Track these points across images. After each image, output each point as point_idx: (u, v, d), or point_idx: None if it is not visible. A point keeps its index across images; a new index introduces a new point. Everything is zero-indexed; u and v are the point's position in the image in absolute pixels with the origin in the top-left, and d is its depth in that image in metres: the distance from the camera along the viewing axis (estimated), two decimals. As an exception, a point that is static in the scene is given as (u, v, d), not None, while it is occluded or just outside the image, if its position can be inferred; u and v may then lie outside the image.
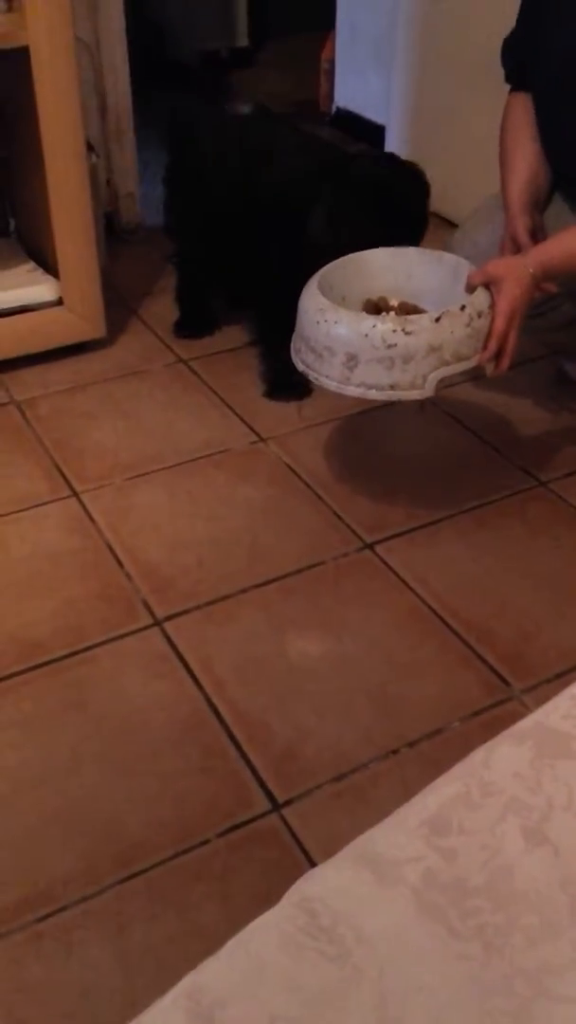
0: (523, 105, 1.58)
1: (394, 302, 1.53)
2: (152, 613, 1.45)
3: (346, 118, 3.08)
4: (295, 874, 0.71)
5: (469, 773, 0.64)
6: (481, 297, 1.39)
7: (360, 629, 1.44)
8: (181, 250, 2.09)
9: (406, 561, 1.55)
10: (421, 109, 2.67)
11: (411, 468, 1.77)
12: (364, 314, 1.45)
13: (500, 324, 1.36)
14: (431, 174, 2.68)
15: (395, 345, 1.35)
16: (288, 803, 1.19)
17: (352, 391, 1.40)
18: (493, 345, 1.37)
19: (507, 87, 1.63)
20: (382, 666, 1.38)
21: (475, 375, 1.41)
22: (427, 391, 1.38)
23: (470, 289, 1.40)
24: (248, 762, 1.24)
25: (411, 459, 1.79)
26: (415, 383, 1.37)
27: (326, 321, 1.40)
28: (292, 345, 1.50)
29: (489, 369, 1.41)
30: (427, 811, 0.61)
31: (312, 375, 1.45)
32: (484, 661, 1.39)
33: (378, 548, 1.58)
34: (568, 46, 1.46)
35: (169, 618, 1.44)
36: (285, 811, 1.18)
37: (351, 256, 1.54)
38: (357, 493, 1.69)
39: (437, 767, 0.93)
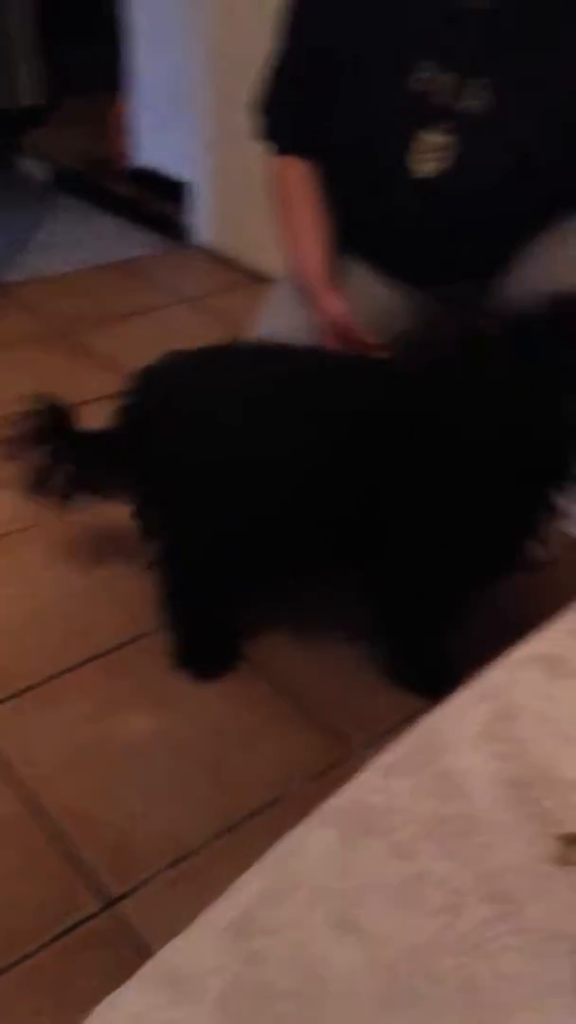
0: (300, 172, 1.51)
1: None
2: (-35, 706, 1.35)
3: (145, 175, 3.08)
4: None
5: (276, 863, 0.60)
6: None
7: (191, 701, 1.38)
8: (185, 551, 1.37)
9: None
10: (227, 164, 2.71)
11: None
12: None
13: None
14: (242, 230, 2.73)
15: None
16: (123, 897, 1.12)
17: None
18: None
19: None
20: (215, 738, 1.33)
21: None
22: None
23: None
24: (77, 859, 1.16)
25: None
26: None
27: None
28: None
29: None
30: (233, 911, 0.57)
31: None
32: (321, 720, 1.36)
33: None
34: (371, 116, 1.41)
35: (-15, 709, 1.35)
36: (120, 907, 1.11)
37: None
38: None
39: (279, 838, 0.89)
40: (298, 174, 1.52)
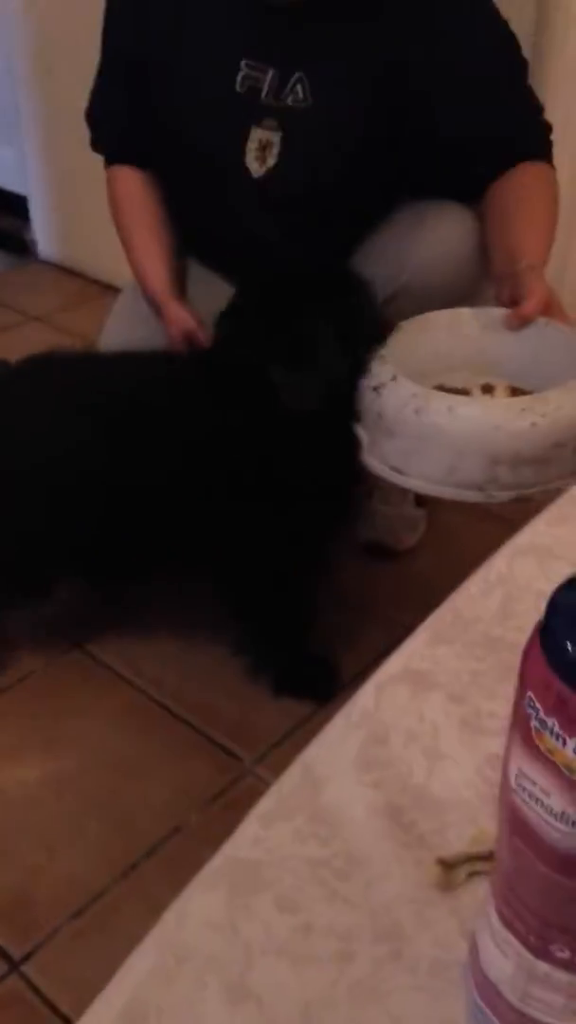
0: (135, 181, 1.51)
1: (498, 384, 1.25)
2: None
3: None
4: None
5: (162, 939, 0.59)
6: None
7: (77, 738, 1.36)
8: None
9: (119, 654, 1.49)
10: (64, 175, 2.64)
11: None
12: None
13: None
14: (87, 242, 2.67)
15: None
16: (27, 958, 1.10)
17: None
18: None
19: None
20: (107, 774, 1.31)
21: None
22: None
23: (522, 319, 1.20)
24: (-25, 924, 1.13)
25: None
26: None
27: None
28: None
29: None
30: (121, 999, 0.56)
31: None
32: (212, 740, 1.36)
33: (89, 647, 1.51)
34: (202, 120, 1.41)
35: None
36: (25, 968, 1.09)
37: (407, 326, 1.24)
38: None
39: (182, 871, 0.87)
40: (134, 183, 1.52)
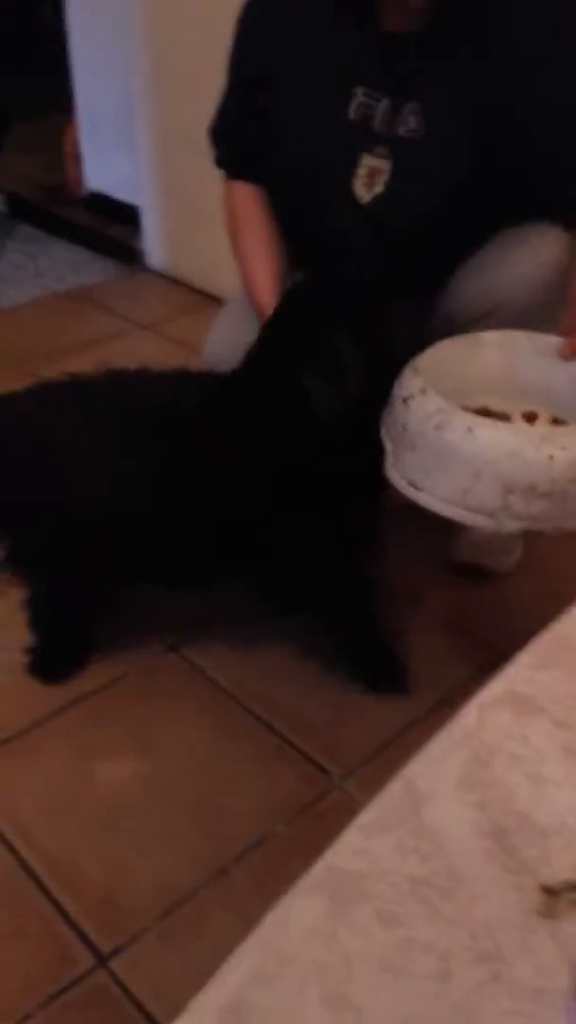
0: (251, 197, 1.55)
1: (542, 413, 1.25)
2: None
3: (100, 201, 3.08)
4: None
5: (265, 941, 0.60)
6: None
7: (171, 740, 1.38)
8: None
9: (213, 658, 1.51)
10: (174, 187, 2.71)
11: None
12: None
13: None
14: (194, 252, 2.73)
15: None
16: (115, 953, 1.11)
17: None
18: None
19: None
20: (197, 777, 1.33)
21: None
22: None
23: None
24: (65, 915, 1.15)
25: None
26: None
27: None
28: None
29: None
30: (222, 998, 0.57)
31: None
32: (299, 751, 1.36)
33: (183, 651, 1.53)
34: (315, 144, 1.43)
35: (-37, 768, 1.34)
36: (112, 963, 1.10)
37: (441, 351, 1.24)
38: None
39: (270, 880, 0.87)
40: (251, 199, 1.55)
